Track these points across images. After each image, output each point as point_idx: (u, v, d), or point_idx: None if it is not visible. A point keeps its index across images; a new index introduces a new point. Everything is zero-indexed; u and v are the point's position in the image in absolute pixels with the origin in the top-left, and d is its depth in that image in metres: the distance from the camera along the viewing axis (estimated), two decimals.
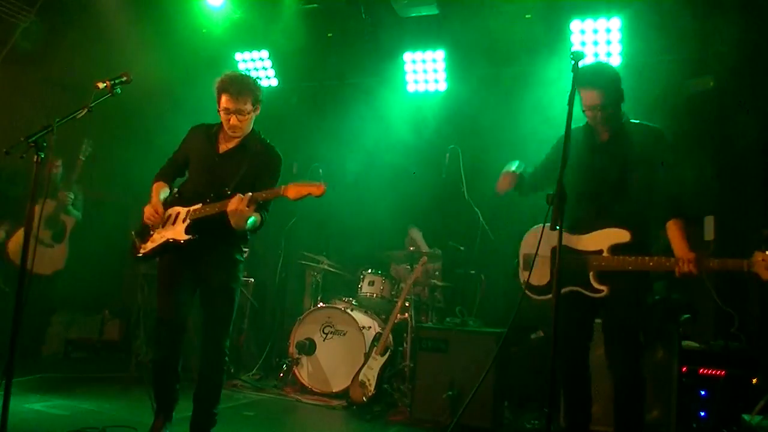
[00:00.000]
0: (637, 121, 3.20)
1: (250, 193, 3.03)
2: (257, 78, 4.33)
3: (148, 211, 3.28)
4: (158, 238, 3.26)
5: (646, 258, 2.92)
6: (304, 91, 6.57)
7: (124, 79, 3.06)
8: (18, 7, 5.10)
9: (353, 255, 6.19)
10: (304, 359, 5.03)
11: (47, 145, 2.67)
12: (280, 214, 5.02)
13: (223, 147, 3.36)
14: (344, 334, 5.00)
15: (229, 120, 3.24)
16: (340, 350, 4.98)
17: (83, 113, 2.89)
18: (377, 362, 4.52)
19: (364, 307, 5.27)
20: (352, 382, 4.56)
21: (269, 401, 4.75)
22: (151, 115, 5.32)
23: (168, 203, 3.36)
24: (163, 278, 3.29)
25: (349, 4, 5.67)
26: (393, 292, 5.25)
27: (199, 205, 3.23)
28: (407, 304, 4.88)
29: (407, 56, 5.87)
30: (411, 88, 6.00)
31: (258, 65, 6.39)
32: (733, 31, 4.83)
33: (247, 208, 3.01)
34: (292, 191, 3.00)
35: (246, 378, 5.28)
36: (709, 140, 5.10)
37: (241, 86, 3.23)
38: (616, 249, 2.99)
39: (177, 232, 3.22)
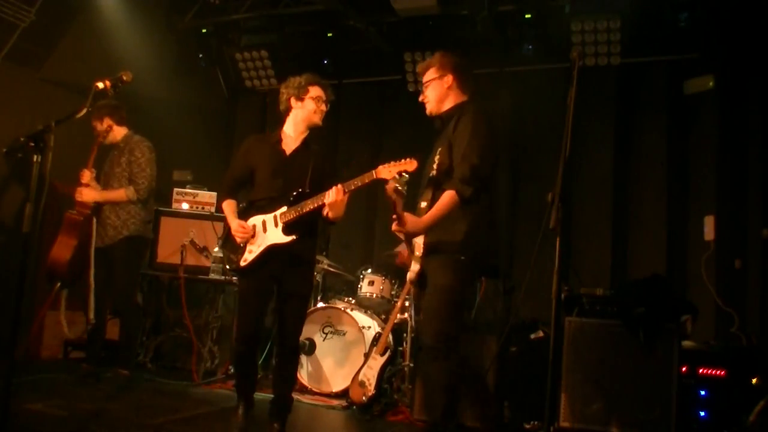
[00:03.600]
0: None
1: (345, 184, 3.17)
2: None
3: (237, 229, 3.43)
4: (256, 248, 3.40)
5: None
6: None
7: (124, 78, 3.06)
8: (18, 7, 5.09)
9: (353, 255, 6.19)
10: (303, 359, 5.02)
11: (46, 145, 2.66)
12: None
13: (289, 149, 3.53)
14: (344, 334, 5.00)
15: (322, 108, 3.52)
16: (340, 350, 4.97)
17: (83, 113, 2.88)
18: (377, 362, 4.52)
19: (364, 307, 5.27)
20: (351, 382, 4.55)
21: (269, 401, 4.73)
22: (150, 115, 5.30)
23: (241, 216, 3.51)
24: (254, 289, 3.47)
25: (348, 4, 5.66)
26: (393, 292, 5.24)
27: (284, 209, 3.35)
28: (407, 304, 4.88)
29: (407, 56, 5.87)
30: (411, 88, 5.99)
31: (258, 65, 6.38)
32: (733, 30, 4.83)
33: (343, 197, 3.19)
34: (385, 172, 2.98)
35: None
36: (709, 140, 5.10)
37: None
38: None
39: (277, 236, 3.36)
